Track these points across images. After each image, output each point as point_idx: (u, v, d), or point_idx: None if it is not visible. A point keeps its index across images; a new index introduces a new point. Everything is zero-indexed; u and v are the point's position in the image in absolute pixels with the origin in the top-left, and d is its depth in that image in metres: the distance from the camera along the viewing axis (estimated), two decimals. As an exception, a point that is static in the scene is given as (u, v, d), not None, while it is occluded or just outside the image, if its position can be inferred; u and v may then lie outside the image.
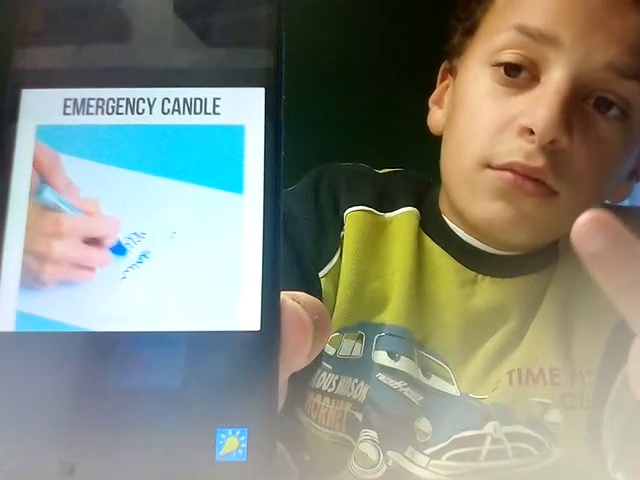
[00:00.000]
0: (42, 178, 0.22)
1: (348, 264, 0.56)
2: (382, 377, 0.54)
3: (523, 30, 0.50)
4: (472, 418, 0.54)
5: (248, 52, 0.23)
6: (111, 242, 0.22)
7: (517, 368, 0.55)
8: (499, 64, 0.51)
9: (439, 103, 0.61)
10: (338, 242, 0.57)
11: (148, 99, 0.23)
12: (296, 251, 0.55)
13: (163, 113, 0.22)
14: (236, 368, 0.20)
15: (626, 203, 0.63)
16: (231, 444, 0.20)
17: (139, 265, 0.22)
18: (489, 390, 0.55)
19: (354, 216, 0.58)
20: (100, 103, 0.23)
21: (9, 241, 0.21)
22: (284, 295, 0.22)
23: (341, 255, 0.57)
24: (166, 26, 0.23)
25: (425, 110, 0.62)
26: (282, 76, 0.22)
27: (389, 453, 0.54)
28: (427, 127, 0.61)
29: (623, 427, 0.49)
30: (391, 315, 0.55)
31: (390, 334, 0.55)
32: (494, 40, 0.52)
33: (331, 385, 0.55)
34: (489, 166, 0.51)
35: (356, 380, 0.55)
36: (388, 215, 0.59)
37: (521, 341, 0.56)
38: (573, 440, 0.54)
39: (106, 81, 0.23)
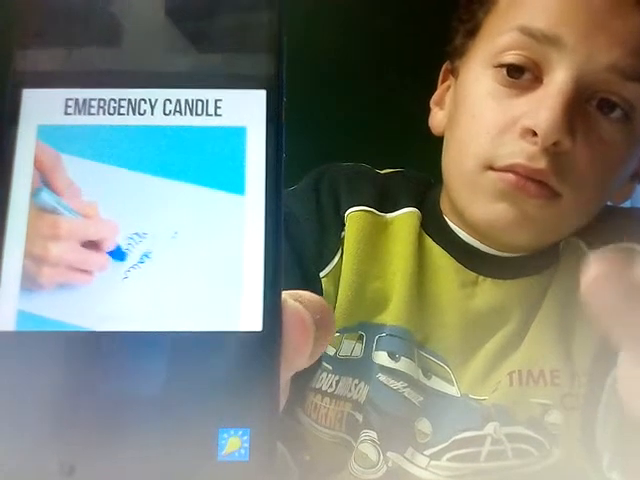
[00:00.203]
0: (43, 178, 0.22)
1: (349, 264, 0.56)
2: (382, 378, 0.54)
3: (526, 31, 0.50)
4: (472, 419, 0.54)
5: (250, 55, 0.23)
6: (109, 246, 0.22)
7: (517, 369, 0.55)
8: (501, 65, 0.51)
9: (440, 104, 0.61)
10: (339, 242, 0.57)
11: (150, 100, 0.23)
12: (297, 251, 0.55)
13: (164, 114, 0.22)
14: (238, 368, 0.20)
15: (628, 204, 0.63)
16: (233, 444, 0.20)
17: (141, 265, 0.22)
18: (489, 391, 0.55)
19: (355, 216, 0.58)
20: (101, 103, 0.22)
21: (9, 241, 0.21)
22: (286, 295, 0.21)
23: (342, 255, 0.57)
24: (168, 28, 0.23)
25: (426, 110, 0.61)
26: (283, 79, 0.23)
27: (389, 454, 0.54)
28: (428, 127, 0.61)
29: (616, 427, 0.49)
30: (392, 315, 0.55)
31: (390, 334, 0.55)
32: (496, 41, 0.52)
33: (331, 385, 0.55)
34: (491, 167, 0.51)
35: (356, 380, 0.55)
36: (389, 215, 0.59)
37: (521, 342, 0.56)
38: (573, 441, 0.54)
39: (108, 81, 0.23)
